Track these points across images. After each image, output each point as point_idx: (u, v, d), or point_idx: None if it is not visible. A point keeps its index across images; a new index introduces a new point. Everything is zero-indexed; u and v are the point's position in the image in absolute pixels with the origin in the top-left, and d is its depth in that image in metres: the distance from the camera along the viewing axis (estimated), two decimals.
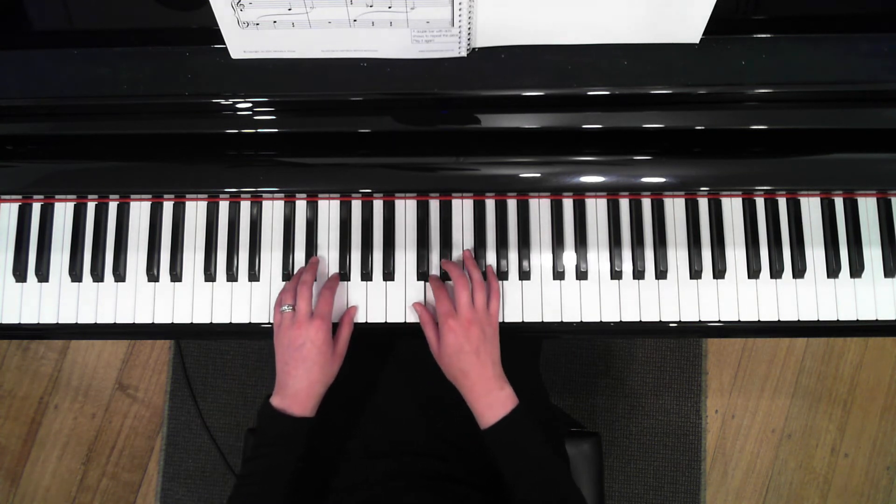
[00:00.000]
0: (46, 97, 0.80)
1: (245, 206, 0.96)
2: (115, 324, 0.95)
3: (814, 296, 0.94)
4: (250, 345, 1.74)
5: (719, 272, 0.93)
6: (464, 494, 0.88)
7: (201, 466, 1.71)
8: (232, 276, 0.95)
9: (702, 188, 0.90)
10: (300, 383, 0.84)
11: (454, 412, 0.88)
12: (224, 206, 0.96)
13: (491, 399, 0.83)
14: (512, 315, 0.94)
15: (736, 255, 0.94)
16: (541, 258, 0.94)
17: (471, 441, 0.87)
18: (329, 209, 0.96)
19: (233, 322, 0.94)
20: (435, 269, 0.94)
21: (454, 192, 0.94)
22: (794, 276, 0.94)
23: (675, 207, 0.95)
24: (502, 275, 0.94)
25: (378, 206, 0.95)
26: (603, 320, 0.94)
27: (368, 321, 0.94)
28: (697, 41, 0.76)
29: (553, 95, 0.79)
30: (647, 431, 1.69)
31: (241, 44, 0.76)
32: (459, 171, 0.85)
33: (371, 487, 0.89)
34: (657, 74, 0.77)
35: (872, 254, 0.94)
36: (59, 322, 0.95)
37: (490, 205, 0.95)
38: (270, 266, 0.95)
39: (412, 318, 0.93)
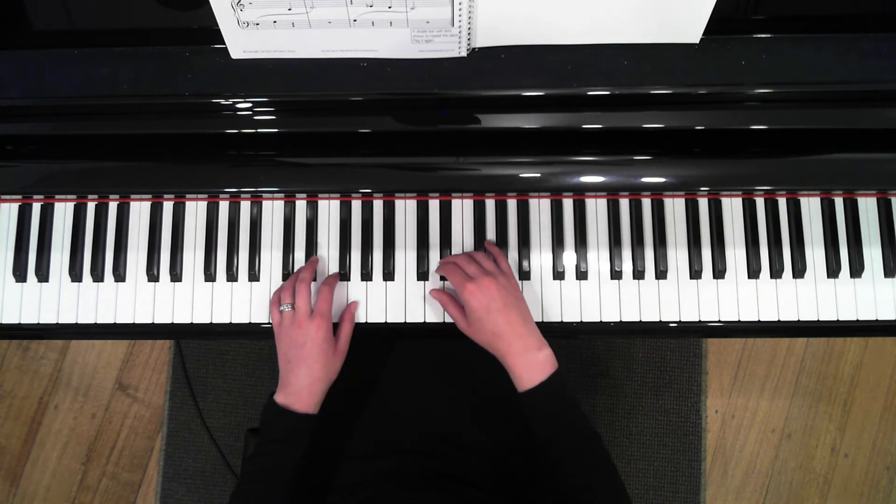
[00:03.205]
0: (46, 97, 0.80)
1: (245, 206, 0.96)
2: (115, 324, 0.95)
3: (814, 296, 0.94)
4: (250, 345, 1.74)
5: (719, 272, 0.93)
6: (463, 493, 0.88)
7: (201, 466, 1.71)
8: (232, 276, 0.95)
9: (702, 188, 0.90)
10: (303, 381, 0.84)
11: (452, 411, 0.88)
12: (224, 206, 0.96)
13: (529, 359, 0.80)
14: None
15: (736, 255, 0.94)
16: (541, 258, 0.94)
17: (469, 440, 0.87)
18: (329, 209, 0.96)
19: (233, 322, 0.94)
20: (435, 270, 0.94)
21: (454, 192, 0.94)
22: (794, 276, 0.94)
23: (675, 207, 0.95)
24: None
25: (378, 206, 0.95)
26: (603, 320, 0.94)
27: (368, 321, 0.94)
28: (697, 41, 0.76)
29: (553, 95, 0.79)
30: (647, 431, 1.69)
31: (241, 44, 0.76)
32: (459, 171, 0.85)
33: (371, 487, 0.89)
34: (657, 74, 0.77)
35: (872, 254, 0.94)
36: (59, 322, 0.95)
37: (490, 205, 0.95)
38: (270, 266, 0.95)
39: (412, 318, 0.93)
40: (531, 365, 0.80)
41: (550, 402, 0.80)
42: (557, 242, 0.94)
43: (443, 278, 0.94)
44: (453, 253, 0.94)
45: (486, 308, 0.82)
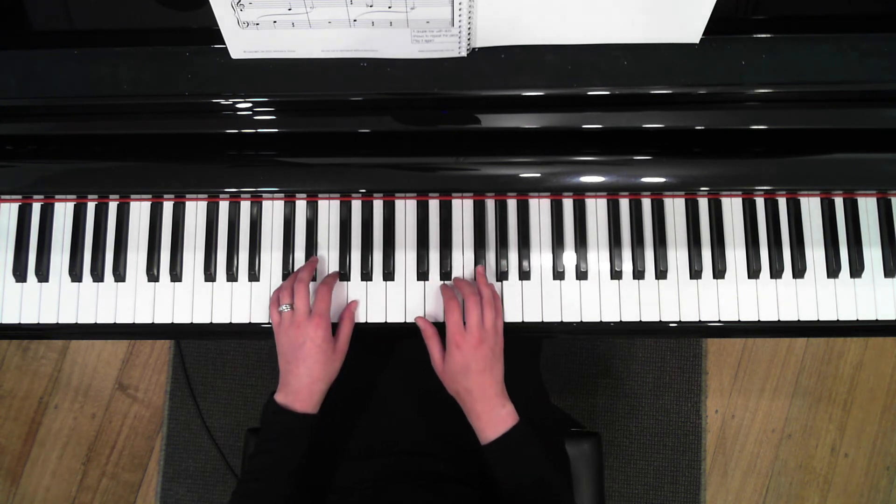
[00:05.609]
0: (46, 97, 0.80)
1: (245, 206, 0.96)
2: (115, 324, 0.95)
3: (814, 296, 0.94)
4: (250, 345, 1.74)
5: (719, 272, 0.93)
6: (462, 494, 0.88)
7: (201, 466, 1.71)
8: (232, 276, 0.95)
9: (702, 188, 0.90)
10: (302, 381, 0.84)
11: (452, 412, 0.88)
12: (224, 206, 0.96)
13: (492, 416, 0.83)
14: (512, 315, 0.94)
15: (736, 255, 0.94)
16: (541, 258, 0.94)
17: (468, 440, 0.87)
18: (329, 209, 0.96)
19: (233, 322, 0.94)
20: (435, 270, 0.94)
21: (454, 192, 0.94)
22: (794, 276, 0.94)
23: (675, 207, 0.95)
24: (502, 275, 0.94)
25: (378, 206, 0.95)
26: (603, 320, 0.94)
27: (368, 321, 0.94)
28: (697, 41, 0.76)
29: (553, 95, 0.79)
30: (647, 431, 1.69)
31: (241, 44, 0.76)
32: (459, 171, 0.85)
33: (370, 486, 0.89)
34: (657, 74, 0.77)
35: (872, 254, 0.94)
36: (59, 322, 0.95)
37: (490, 205, 0.95)
38: (270, 266, 0.95)
39: (412, 318, 0.93)
40: (493, 420, 0.83)
41: (511, 453, 0.83)
42: (557, 242, 0.94)
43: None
44: (453, 254, 0.94)
45: (467, 367, 0.84)
